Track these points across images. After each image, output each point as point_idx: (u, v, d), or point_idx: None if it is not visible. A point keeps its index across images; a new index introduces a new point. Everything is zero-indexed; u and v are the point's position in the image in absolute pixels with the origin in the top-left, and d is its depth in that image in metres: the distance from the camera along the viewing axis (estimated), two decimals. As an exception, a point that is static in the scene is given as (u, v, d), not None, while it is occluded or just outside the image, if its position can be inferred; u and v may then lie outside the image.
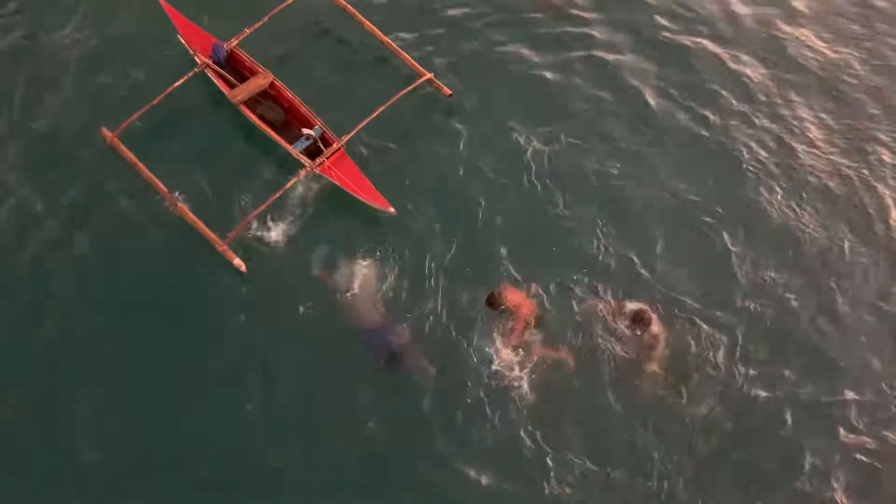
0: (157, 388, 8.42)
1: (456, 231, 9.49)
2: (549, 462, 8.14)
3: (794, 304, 9.18)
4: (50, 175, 9.71)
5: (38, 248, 9.19)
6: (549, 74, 10.91)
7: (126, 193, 9.66)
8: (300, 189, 9.61)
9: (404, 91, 10.11)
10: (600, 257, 9.32)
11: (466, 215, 9.63)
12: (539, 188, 9.87)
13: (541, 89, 10.78)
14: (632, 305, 8.79)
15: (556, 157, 10.14)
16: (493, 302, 8.71)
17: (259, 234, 9.36)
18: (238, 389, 8.45)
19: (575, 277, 9.14)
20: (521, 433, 8.27)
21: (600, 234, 9.48)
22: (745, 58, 11.27)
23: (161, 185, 9.48)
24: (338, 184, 9.56)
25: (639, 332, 8.61)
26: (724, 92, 10.90)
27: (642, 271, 9.26)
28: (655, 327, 8.67)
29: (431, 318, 8.86)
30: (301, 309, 8.86)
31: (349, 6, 10.83)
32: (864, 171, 10.26)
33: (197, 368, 8.58)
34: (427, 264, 9.20)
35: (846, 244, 9.63)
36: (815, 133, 10.59)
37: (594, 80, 10.89)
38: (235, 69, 10.39)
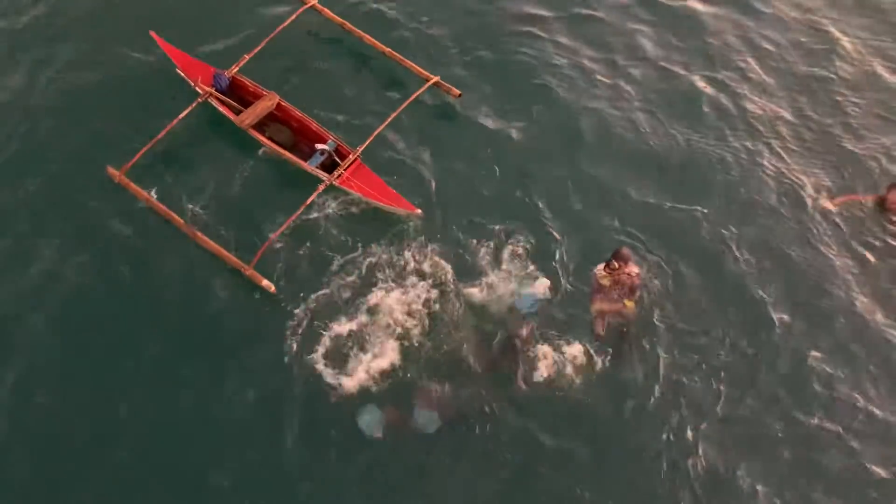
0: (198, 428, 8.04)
1: (482, 225, 9.32)
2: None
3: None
4: (59, 220, 9.37)
5: (61, 299, 8.83)
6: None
7: (140, 230, 9.34)
8: (320, 205, 9.34)
9: (413, 96, 9.99)
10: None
11: (491, 209, 9.47)
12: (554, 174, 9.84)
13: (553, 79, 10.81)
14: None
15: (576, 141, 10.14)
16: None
17: (283, 252, 9.04)
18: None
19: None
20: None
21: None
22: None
23: (177, 218, 9.20)
24: (358, 194, 9.32)
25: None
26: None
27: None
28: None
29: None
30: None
31: (346, 22, 10.75)
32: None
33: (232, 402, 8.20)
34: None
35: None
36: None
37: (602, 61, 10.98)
38: (238, 95, 10.21)
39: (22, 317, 8.62)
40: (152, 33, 10.47)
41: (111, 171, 9.56)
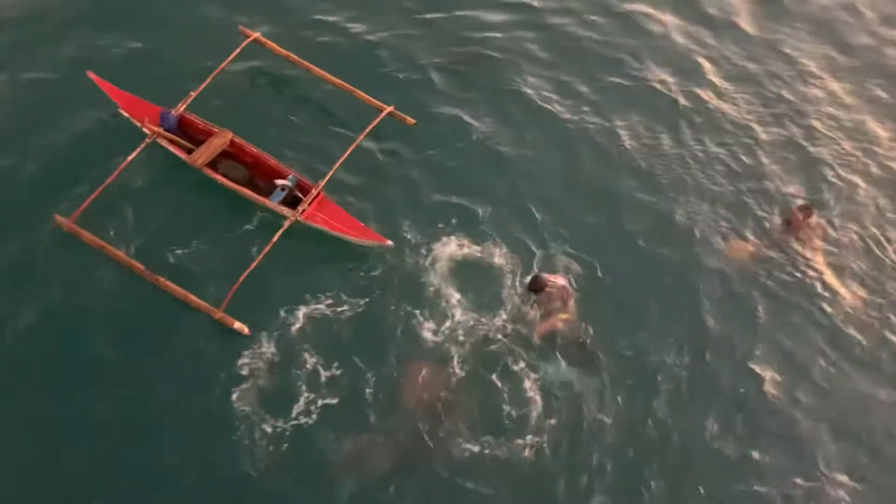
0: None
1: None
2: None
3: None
4: (5, 276, 8.87)
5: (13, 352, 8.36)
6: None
7: (96, 279, 8.96)
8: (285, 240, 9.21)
9: (369, 127, 10.02)
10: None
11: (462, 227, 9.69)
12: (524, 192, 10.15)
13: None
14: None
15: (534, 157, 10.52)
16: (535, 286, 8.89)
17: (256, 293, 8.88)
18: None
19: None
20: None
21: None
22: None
23: (136, 264, 8.90)
24: (325, 228, 9.27)
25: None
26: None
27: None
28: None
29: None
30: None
31: (292, 54, 10.66)
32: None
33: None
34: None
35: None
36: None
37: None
38: (188, 134, 9.97)
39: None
40: (90, 73, 10.09)
41: (59, 219, 9.15)
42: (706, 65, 12.09)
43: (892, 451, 8.63)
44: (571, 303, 9.08)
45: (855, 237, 10.27)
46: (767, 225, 10.20)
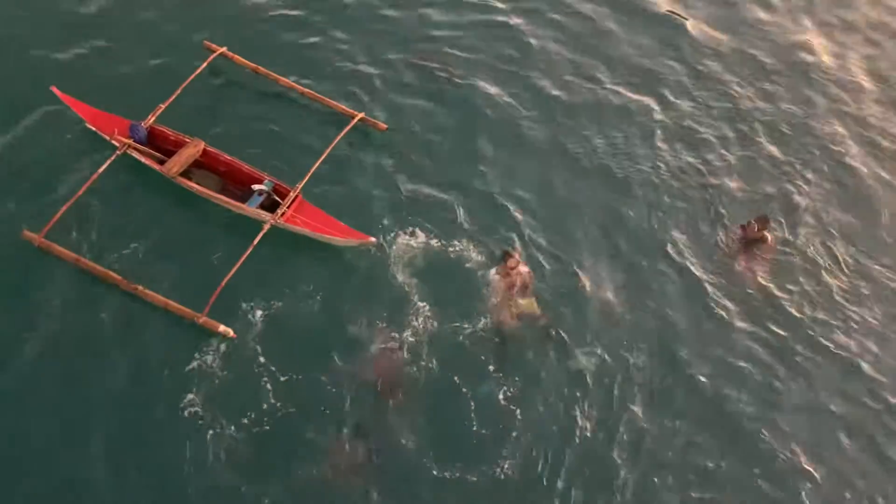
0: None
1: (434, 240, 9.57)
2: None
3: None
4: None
5: None
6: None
7: (71, 294, 8.73)
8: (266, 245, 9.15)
9: (341, 134, 10.10)
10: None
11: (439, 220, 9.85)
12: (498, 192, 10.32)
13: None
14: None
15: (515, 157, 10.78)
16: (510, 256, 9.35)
17: (239, 295, 8.77)
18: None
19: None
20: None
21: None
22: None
23: (113, 275, 8.72)
24: (306, 230, 9.25)
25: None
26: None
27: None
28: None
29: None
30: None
31: (259, 67, 10.72)
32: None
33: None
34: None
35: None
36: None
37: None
38: (158, 145, 9.85)
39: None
40: (54, 88, 9.91)
41: (28, 234, 8.91)
42: (672, 68, 12.45)
43: (831, 452, 8.77)
44: (531, 289, 9.31)
45: (808, 250, 10.35)
46: (723, 235, 10.32)
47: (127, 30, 11.18)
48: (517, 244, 9.73)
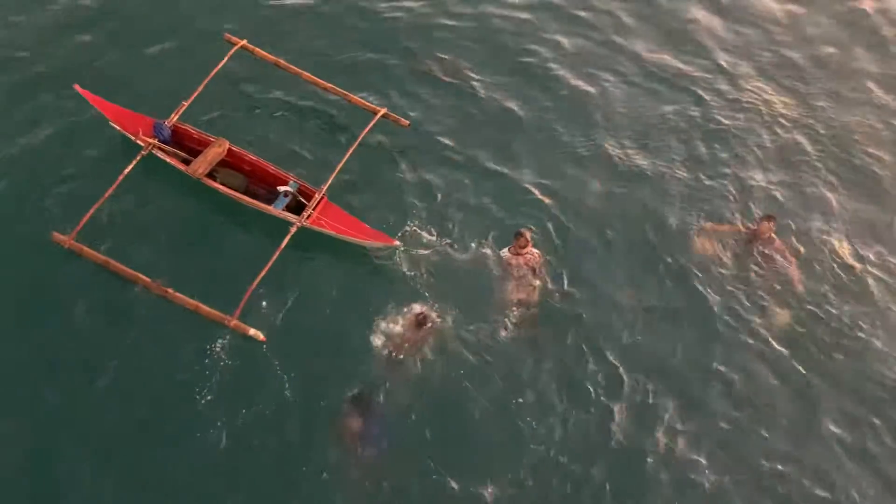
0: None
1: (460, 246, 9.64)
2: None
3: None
4: (9, 302, 8.71)
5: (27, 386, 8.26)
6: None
7: (101, 295, 8.88)
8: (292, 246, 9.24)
9: (365, 130, 10.08)
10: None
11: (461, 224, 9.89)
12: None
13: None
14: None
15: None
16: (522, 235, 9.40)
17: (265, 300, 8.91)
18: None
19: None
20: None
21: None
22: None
23: (143, 277, 8.83)
24: (331, 232, 9.33)
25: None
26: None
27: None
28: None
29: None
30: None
31: (280, 60, 10.65)
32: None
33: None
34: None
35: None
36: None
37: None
38: (183, 144, 9.89)
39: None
40: (77, 87, 9.91)
41: (58, 236, 9.00)
42: (698, 64, 12.34)
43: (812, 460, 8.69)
44: (541, 273, 9.46)
45: (814, 251, 10.17)
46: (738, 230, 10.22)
47: (147, 24, 11.12)
48: (537, 235, 9.79)
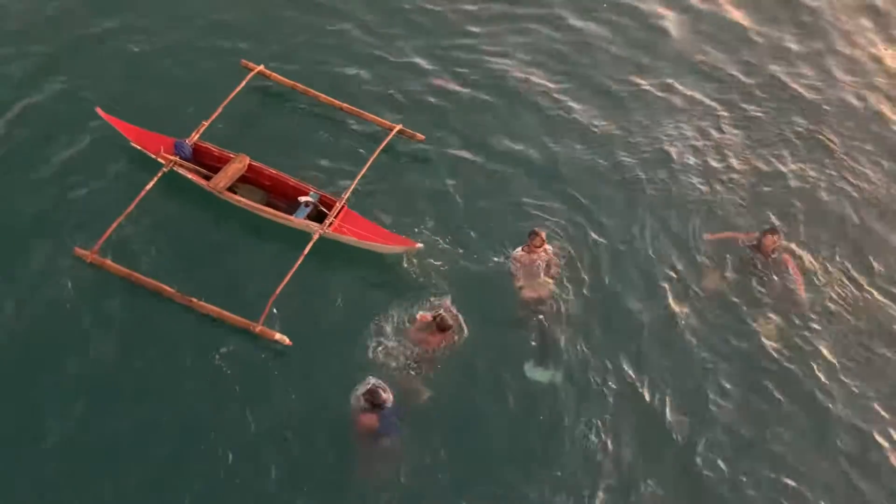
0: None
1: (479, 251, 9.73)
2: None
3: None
4: (36, 320, 8.70)
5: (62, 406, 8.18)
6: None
7: (127, 307, 8.88)
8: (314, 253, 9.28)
9: (380, 147, 10.25)
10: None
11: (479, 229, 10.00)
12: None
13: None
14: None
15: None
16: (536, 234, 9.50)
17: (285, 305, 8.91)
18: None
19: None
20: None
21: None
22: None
23: (167, 288, 8.85)
24: (353, 238, 9.39)
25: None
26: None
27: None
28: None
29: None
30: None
31: (297, 84, 10.92)
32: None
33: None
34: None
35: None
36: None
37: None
38: (203, 162, 10.02)
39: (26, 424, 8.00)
40: (98, 110, 10.12)
41: (80, 252, 9.05)
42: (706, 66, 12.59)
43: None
44: (555, 270, 9.54)
45: (819, 266, 10.04)
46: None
47: (164, 49, 11.41)
48: (554, 237, 9.91)
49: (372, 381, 8.23)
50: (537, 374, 8.79)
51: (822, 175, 11.17)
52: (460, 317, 8.99)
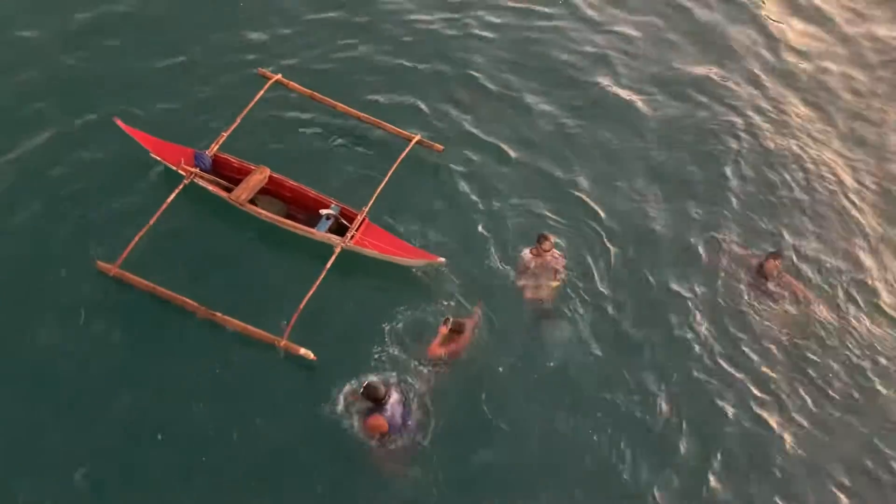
0: None
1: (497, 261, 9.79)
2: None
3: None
4: (58, 336, 8.71)
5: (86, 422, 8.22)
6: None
7: (150, 320, 8.91)
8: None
9: (400, 157, 10.22)
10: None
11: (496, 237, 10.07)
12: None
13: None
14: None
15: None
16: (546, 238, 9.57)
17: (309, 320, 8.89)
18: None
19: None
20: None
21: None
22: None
23: (191, 302, 8.84)
24: (376, 252, 9.40)
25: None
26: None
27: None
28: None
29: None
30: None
31: (315, 93, 10.88)
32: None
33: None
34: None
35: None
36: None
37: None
38: (222, 174, 10.00)
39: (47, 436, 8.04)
40: (116, 120, 10.07)
41: (102, 265, 9.05)
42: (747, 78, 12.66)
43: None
44: (562, 274, 9.63)
45: (820, 289, 10.05)
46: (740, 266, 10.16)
47: (179, 60, 11.38)
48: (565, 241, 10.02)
49: (365, 379, 8.27)
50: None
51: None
52: (479, 315, 9.14)
